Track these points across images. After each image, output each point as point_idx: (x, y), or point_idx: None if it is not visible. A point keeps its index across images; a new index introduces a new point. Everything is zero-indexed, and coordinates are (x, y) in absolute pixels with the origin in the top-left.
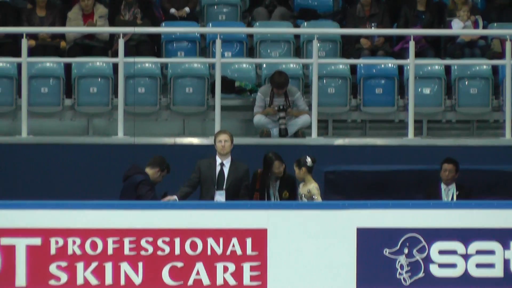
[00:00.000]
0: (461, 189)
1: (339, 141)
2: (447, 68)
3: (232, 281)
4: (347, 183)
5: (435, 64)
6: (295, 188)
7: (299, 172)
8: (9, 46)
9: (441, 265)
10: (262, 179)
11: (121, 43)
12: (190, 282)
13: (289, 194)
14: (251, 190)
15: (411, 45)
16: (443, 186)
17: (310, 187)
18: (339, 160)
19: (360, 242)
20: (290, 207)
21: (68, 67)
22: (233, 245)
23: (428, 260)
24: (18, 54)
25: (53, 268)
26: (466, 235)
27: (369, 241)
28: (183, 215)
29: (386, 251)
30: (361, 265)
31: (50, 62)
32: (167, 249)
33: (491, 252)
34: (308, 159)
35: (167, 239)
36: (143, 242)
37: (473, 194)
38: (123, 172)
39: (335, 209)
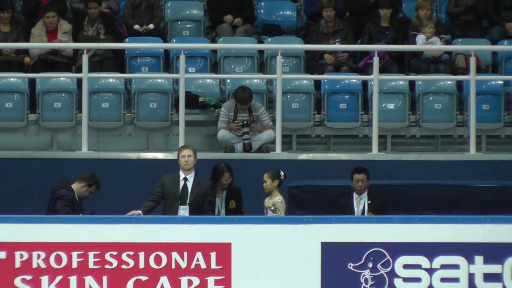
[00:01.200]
0: (373, 198)
1: (303, 156)
2: (411, 84)
3: None
4: (311, 198)
5: (399, 80)
6: (241, 198)
7: (270, 184)
8: None
9: (405, 279)
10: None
11: (85, 58)
12: None
13: (236, 204)
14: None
15: (375, 60)
16: (355, 195)
17: (275, 200)
18: (303, 175)
19: (324, 256)
20: (254, 222)
21: (32, 82)
22: (198, 259)
23: (392, 274)
24: None
25: (17, 282)
26: (430, 250)
27: (334, 256)
28: (148, 229)
29: (350, 266)
30: (326, 279)
31: (14, 78)
32: (131, 263)
33: (456, 266)
34: (282, 173)
35: (131, 253)
36: (107, 256)
37: (387, 206)
38: None
39: (300, 223)
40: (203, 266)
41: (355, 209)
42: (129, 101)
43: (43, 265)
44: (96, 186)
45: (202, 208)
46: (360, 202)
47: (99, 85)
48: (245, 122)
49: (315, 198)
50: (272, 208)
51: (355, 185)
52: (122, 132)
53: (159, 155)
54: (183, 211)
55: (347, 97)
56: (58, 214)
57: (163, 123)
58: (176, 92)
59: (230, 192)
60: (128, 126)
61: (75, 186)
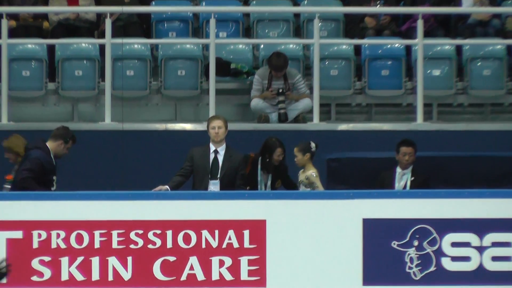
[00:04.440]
0: (416, 174)
1: (343, 126)
2: (458, 48)
3: (228, 276)
4: (351, 171)
5: (445, 44)
6: (288, 177)
7: (302, 158)
8: None
9: (454, 258)
10: (254, 165)
11: (108, 23)
12: (183, 277)
13: (282, 184)
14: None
15: (419, 24)
16: (398, 170)
17: (308, 173)
18: (343, 146)
19: (366, 234)
20: (290, 197)
21: (51, 49)
22: (230, 238)
23: (439, 253)
24: None
25: (35, 263)
26: (480, 226)
27: (376, 233)
28: (176, 206)
29: (394, 244)
30: (368, 258)
31: (32, 44)
32: (158, 242)
33: (508, 244)
34: (313, 144)
35: (158, 231)
36: (132, 235)
37: (430, 182)
38: (111, 160)
39: (339, 198)
40: (236, 245)
41: (396, 184)
42: (156, 68)
43: (63, 245)
44: (73, 141)
45: (234, 183)
46: (403, 178)
47: (123, 51)
48: (280, 90)
49: (355, 171)
50: (306, 182)
51: (401, 159)
52: (148, 101)
53: (188, 126)
54: (214, 186)
55: (389, 63)
56: (18, 177)
57: (192, 91)
58: (206, 59)
59: (277, 171)
60: (154, 95)
61: (51, 145)
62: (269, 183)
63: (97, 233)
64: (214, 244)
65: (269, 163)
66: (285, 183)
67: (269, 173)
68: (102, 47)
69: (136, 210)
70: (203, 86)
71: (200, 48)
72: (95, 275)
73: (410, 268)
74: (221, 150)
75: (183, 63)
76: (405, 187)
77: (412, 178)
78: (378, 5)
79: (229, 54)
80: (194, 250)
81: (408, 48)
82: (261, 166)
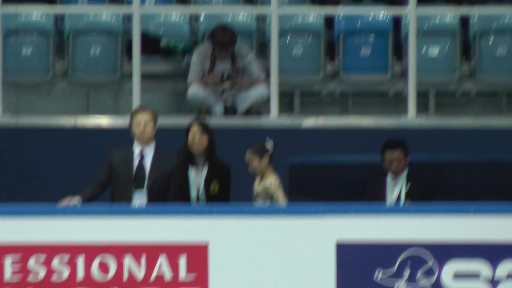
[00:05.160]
0: (413, 182)
1: (310, 122)
2: (464, 20)
3: None
4: (321, 181)
5: (446, 14)
6: (229, 179)
7: (259, 163)
8: None
9: None
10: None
11: None
12: None
13: (220, 187)
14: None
15: None
16: (388, 178)
17: (268, 182)
18: (310, 148)
19: (341, 262)
20: (240, 214)
21: None
22: (161, 266)
23: (439, 286)
24: None
25: None
26: (493, 252)
27: (354, 261)
28: (89, 225)
29: (378, 274)
30: None
31: None
32: (64, 273)
33: None
34: (269, 142)
35: (65, 257)
36: (31, 263)
37: (433, 192)
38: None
39: (305, 215)
40: (169, 275)
41: (388, 197)
42: (61, 45)
43: None
44: None
45: (166, 194)
46: (395, 187)
47: (18, 23)
48: (226, 75)
49: (326, 180)
50: (266, 193)
51: (387, 166)
52: (52, 88)
53: (104, 121)
54: (139, 198)
55: (371, 38)
56: None
57: (110, 76)
58: (128, 33)
59: (212, 169)
60: (60, 81)
61: None
62: (201, 185)
63: None
64: (140, 274)
65: (194, 157)
66: (225, 188)
67: (201, 172)
68: None
69: (36, 230)
70: (124, 68)
71: (120, 19)
72: None
73: None
74: (149, 152)
75: (97, 39)
76: (398, 199)
77: (408, 187)
78: None
79: (159, 27)
80: (114, 283)
81: (396, 20)
82: (185, 160)
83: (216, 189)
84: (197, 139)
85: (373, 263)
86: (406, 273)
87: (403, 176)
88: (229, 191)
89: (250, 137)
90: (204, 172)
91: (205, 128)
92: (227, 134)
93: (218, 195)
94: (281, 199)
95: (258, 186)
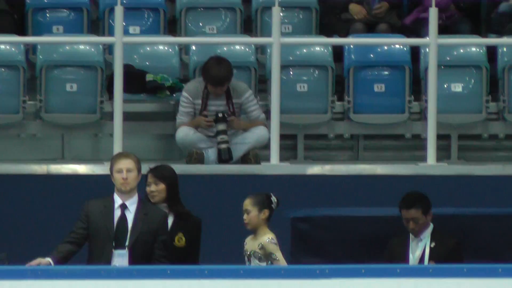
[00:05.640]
0: (439, 239)
1: (315, 170)
2: (492, 52)
3: None
4: (327, 236)
5: (472, 45)
6: (198, 232)
7: (257, 216)
8: None
9: None
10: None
11: None
12: None
13: (186, 240)
14: None
15: (432, 14)
16: (411, 236)
17: (264, 240)
18: (315, 199)
19: None
20: (236, 276)
21: None
22: None
23: None
24: None
25: None
26: None
27: None
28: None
29: None
30: None
31: None
32: None
33: None
34: (274, 199)
35: None
36: None
37: (462, 250)
38: None
39: (308, 277)
40: None
41: (410, 257)
42: (33, 80)
43: None
44: None
45: (150, 254)
46: (419, 246)
47: None
48: (220, 115)
49: (334, 236)
50: (260, 254)
51: (405, 225)
52: (22, 130)
53: (82, 169)
54: (120, 258)
55: (386, 73)
56: None
57: (88, 116)
58: (109, 67)
59: (178, 219)
60: (31, 122)
61: None
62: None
63: None
64: None
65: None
66: (191, 239)
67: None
68: None
69: None
70: (104, 108)
71: (100, 50)
72: None
73: None
74: (132, 205)
75: (74, 73)
76: (422, 259)
77: (433, 245)
78: None
79: (145, 60)
80: None
81: (415, 51)
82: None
83: (182, 242)
84: (152, 188)
85: None
86: None
87: (426, 235)
88: (197, 245)
89: (247, 188)
90: (169, 223)
91: (161, 177)
92: (221, 184)
93: (185, 249)
94: (281, 260)
95: (250, 244)
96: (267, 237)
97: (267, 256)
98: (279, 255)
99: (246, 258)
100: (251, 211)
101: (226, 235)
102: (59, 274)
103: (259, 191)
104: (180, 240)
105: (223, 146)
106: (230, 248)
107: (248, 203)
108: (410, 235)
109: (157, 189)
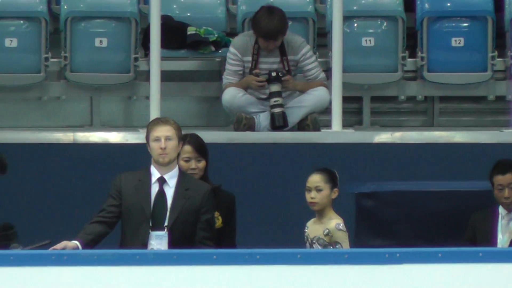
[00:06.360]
0: None
1: (384, 137)
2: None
3: None
4: (397, 214)
5: None
6: (233, 211)
7: (328, 194)
8: None
9: None
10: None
11: None
12: None
13: (223, 220)
14: None
15: None
16: (501, 212)
17: (332, 226)
18: (382, 172)
19: None
20: (294, 261)
21: None
22: None
23: None
24: None
25: None
26: None
27: None
28: (92, 274)
29: None
30: None
31: None
32: None
33: None
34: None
35: None
36: None
37: None
38: None
39: (379, 263)
40: None
41: (500, 237)
42: (56, 34)
43: None
44: (3, 170)
45: (193, 235)
46: (509, 225)
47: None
48: (274, 74)
49: (404, 214)
50: (326, 241)
51: (498, 196)
52: (44, 92)
53: (113, 136)
54: (158, 240)
55: (465, 24)
56: None
57: (121, 75)
58: (145, 18)
59: (216, 194)
60: (54, 83)
61: None
62: None
63: None
64: None
65: None
66: (230, 220)
67: None
68: None
69: (23, 282)
70: (139, 66)
71: (134, 0)
72: None
73: None
74: (171, 178)
75: (104, 26)
76: None
77: None
78: None
79: (186, 11)
80: None
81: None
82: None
83: (218, 223)
84: (192, 165)
85: None
86: None
87: None
88: (234, 225)
89: (306, 158)
90: None
91: (204, 153)
92: (274, 154)
93: (221, 229)
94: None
95: (314, 229)
96: (336, 222)
97: (332, 244)
98: (345, 246)
99: (307, 245)
100: (323, 189)
101: (281, 215)
102: (88, 260)
103: (318, 163)
104: (216, 220)
105: (277, 110)
106: (286, 231)
107: (319, 179)
108: (500, 211)
109: (198, 166)
